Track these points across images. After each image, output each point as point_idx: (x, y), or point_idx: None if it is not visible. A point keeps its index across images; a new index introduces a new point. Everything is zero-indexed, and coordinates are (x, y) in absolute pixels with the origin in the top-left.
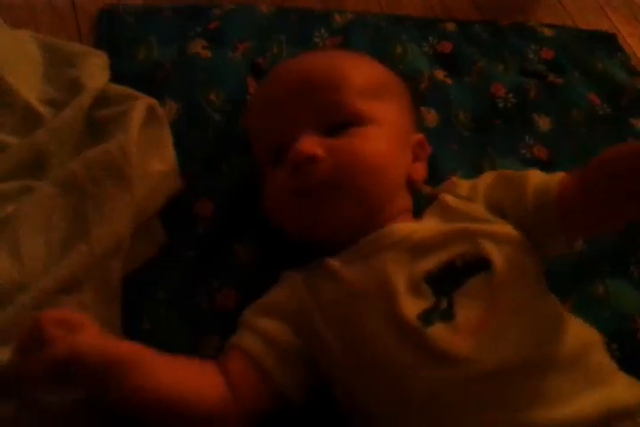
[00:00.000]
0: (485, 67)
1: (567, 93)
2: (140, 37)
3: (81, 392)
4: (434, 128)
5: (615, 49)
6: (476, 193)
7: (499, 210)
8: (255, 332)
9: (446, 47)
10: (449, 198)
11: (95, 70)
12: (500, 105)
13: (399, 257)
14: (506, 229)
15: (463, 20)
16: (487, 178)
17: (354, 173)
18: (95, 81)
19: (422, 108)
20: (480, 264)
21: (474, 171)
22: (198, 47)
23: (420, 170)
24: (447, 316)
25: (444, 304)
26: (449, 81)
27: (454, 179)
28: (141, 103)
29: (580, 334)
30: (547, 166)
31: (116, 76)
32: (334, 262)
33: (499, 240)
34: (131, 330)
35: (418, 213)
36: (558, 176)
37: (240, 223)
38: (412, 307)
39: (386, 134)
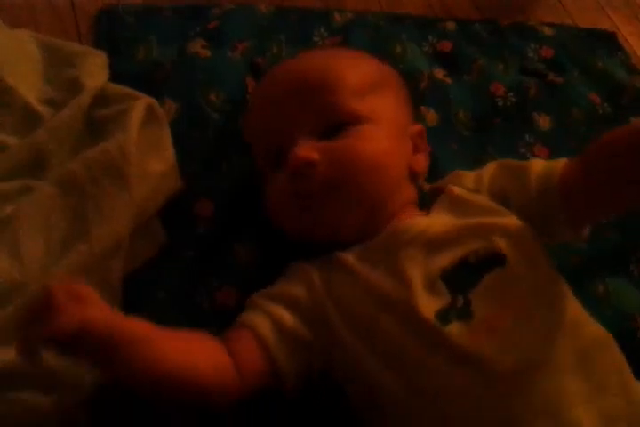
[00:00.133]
0: (485, 66)
1: (567, 92)
2: (140, 37)
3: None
4: (433, 127)
5: (615, 48)
6: (481, 184)
7: (503, 199)
8: (266, 313)
9: (446, 46)
10: (457, 190)
11: (94, 70)
12: (500, 104)
13: (414, 254)
14: (516, 221)
15: (463, 19)
16: (490, 168)
17: (352, 173)
18: (94, 81)
19: (422, 107)
20: (494, 260)
21: (474, 170)
22: (198, 47)
23: (422, 161)
24: (465, 314)
25: (460, 302)
26: (449, 80)
27: (460, 171)
28: (141, 103)
29: (597, 330)
30: None
31: (116, 76)
32: (348, 257)
33: (511, 234)
34: None
35: (422, 205)
36: (561, 162)
37: (240, 223)
38: (429, 305)
39: (383, 131)
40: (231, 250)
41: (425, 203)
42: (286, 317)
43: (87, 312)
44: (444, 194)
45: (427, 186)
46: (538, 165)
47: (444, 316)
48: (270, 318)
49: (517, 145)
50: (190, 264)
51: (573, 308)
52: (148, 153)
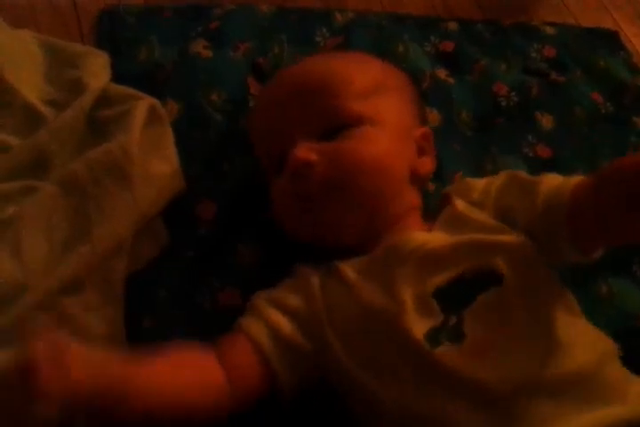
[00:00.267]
0: (487, 66)
1: (570, 92)
2: (141, 37)
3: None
4: (436, 128)
5: (618, 47)
6: (488, 197)
7: (508, 214)
8: (264, 320)
9: (448, 46)
10: (461, 205)
11: (97, 70)
12: (503, 104)
13: (409, 271)
14: (517, 239)
15: (465, 19)
16: (500, 179)
17: (351, 175)
18: (97, 81)
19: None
20: (491, 279)
21: (476, 170)
22: (199, 47)
23: (427, 164)
24: (456, 335)
25: (452, 322)
26: (451, 80)
27: (468, 180)
28: (143, 103)
29: (592, 348)
30: (550, 165)
31: (117, 77)
32: (347, 269)
33: (510, 252)
34: (133, 329)
35: (427, 209)
36: (574, 179)
37: (242, 224)
38: (419, 325)
39: (384, 133)
40: (233, 251)
41: (430, 207)
42: (284, 324)
43: (69, 379)
44: (449, 207)
45: (431, 187)
46: (550, 182)
47: (433, 337)
48: (268, 325)
49: (520, 145)
50: (192, 265)
51: (572, 327)
52: (151, 153)
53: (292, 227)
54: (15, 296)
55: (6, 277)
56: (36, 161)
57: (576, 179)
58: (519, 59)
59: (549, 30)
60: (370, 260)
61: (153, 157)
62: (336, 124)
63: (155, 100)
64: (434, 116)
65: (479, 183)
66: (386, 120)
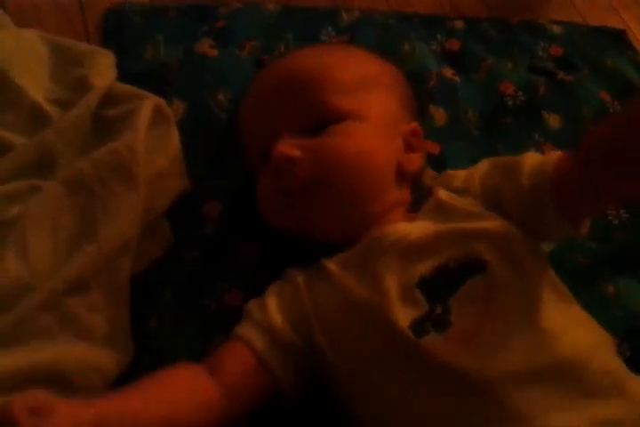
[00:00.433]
0: (494, 64)
1: (577, 91)
2: (147, 36)
3: None
4: (442, 127)
5: (625, 46)
6: (472, 183)
7: (494, 197)
8: (259, 325)
9: (454, 45)
10: (443, 194)
11: (102, 69)
12: (509, 103)
13: (392, 262)
14: (501, 225)
15: (471, 18)
16: (483, 166)
17: (334, 171)
18: (103, 80)
19: (431, 106)
20: (475, 266)
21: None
22: (205, 46)
23: (415, 161)
24: (442, 324)
25: (438, 311)
26: (457, 79)
27: (449, 171)
28: (149, 103)
29: (582, 338)
30: None
31: (123, 76)
32: (331, 265)
33: (494, 239)
34: (138, 329)
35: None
36: (556, 154)
37: (248, 223)
38: (404, 315)
39: (367, 128)
40: (239, 250)
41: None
42: (275, 322)
43: (53, 423)
44: (432, 198)
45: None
46: (531, 159)
47: (419, 326)
48: (260, 326)
49: (527, 144)
50: (198, 264)
51: (561, 314)
52: (156, 153)
53: (276, 222)
54: (20, 296)
55: (11, 277)
56: (41, 160)
57: (556, 153)
58: (526, 57)
59: (556, 29)
60: (352, 253)
61: (158, 157)
62: (321, 119)
63: (160, 100)
64: (440, 114)
65: (461, 173)
66: (371, 115)
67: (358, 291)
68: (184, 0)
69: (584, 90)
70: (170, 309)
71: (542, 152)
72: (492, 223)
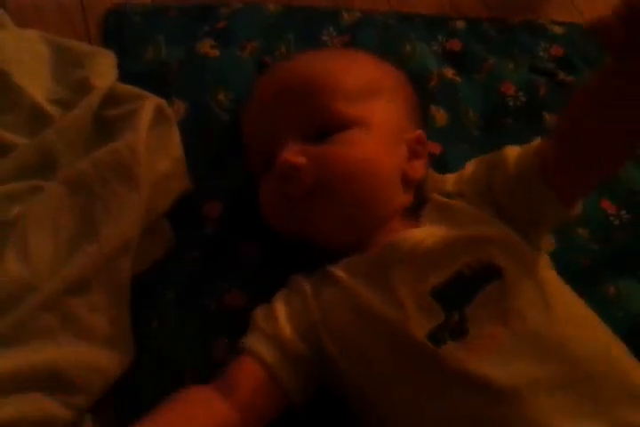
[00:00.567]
0: (495, 65)
1: None
2: (148, 37)
3: None
4: (443, 127)
5: None
6: (462, 185)
7: (487, 193)
8: (268, 337)
9: (455, 45)
10: (440, 199)
11: (104, 70)
12: (510, 103)
13: (407, 271)
14: (508, 230)
15: (472, 18)
16: (469, 166)
17: (338, 179)
18: (104, 81)
19: (431, 106)
20: (490, 272)
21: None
22: (206, 46)
23: (419, 168)
24: (459, 332)
25: (454, 319)
26: (458, 79)
27: (439, 176)
28: (150, 103)
29: (597, 341)
30: None
31: (124, 76)
32: (339, 272)
33: (504, 243)
34: (139, 330)
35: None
36: (536, 141)
37: (249, 224)
38: (421, 325)
39: (372, 136)
40: (239, 250)
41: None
42: (287, 335)
43: None
44: (430, 204)
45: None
46: (513, 150)
47: (437, 336)
48: (268, 337)
49: None
50: (199, 265)
51: (573, 317)
52: (157, 153)
53: (278, 226)
54: (21, 296)
55: (12, 277)
56: (42, 161)
57: (536, 141)
58: (527, 58)
59: (557, 29)
60: (363, 260)
61: (159, 157)
62: (325, 125)
63: (161, 100)
64: (441, 115)
65: (450, 177)
66: (375, 123)
67: (371, 299)
68: (185, 0)
69: None
70: (170, 309)
71: None
72: (500, 229)
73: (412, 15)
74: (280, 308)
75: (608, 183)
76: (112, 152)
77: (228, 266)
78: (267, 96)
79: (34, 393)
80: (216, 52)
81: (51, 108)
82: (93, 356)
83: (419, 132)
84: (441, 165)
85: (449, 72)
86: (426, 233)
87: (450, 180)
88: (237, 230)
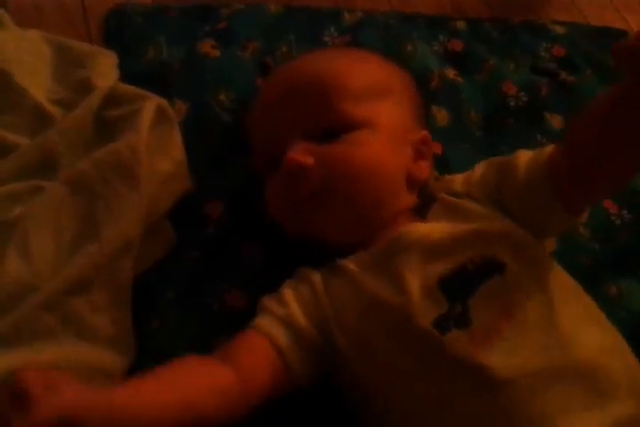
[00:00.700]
0: (496, 65)
1: (579, 92)
2: (149, 37)
3: None
4: (445, 127)
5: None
6: (470, 186)
7: (495, 196)
8: (282, 320)
9: (457, 45)
10: (448, 198)
11: (105, 70)
12: (512, 104)
13: (412, 260)
14: (513, 226)
15: (474, 18)
16: (479, 168)
17: (343, 179)
18: (105, 81)
19: (433, 106)
20: (492, 267)
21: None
22: (207, 47)
23: (424, 169)
24: (463, 322)
25: (458, 310)
26: (460, 79)
27: (447, 176)
28: (151, 103)
29: (597, 338)
30: None
31: (125, 76)
32: (350, 264)
33: (509, 240)
34: (140, 330)
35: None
36: (548, 148)
37: (250, 224)
38: (426, 313)
39: (378, 137)
40: (240, 250)
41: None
42: (299, 319)
43: (65, 398)
44: (438, 202)
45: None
46: (525, 155)
47: (442, 324)
48: (283, 320)
49: (529, 145)
50: (200, 265)
51: (575, 313)
52: (158, 153)
53: (284, 224)
54: (22, 296)
55: (13, 277)
56: (43, 161)
57: (550, 146)
58: (528, 58)
59: (559, 29)
60: (371, 254)
61: (160, 157)
62: (332, 126)
63: (162, 100)
64: (442, 115)
65: (458, 177)
66: (382, 124)
67: (378, 289)
68: (186, 0)
69: (586, 90)
70: (171, 309)
71: None
72: (505, 224)
73: (414, 15)
74: (289, 296)
75: None
76: (113, 152)
77: (229, 266)
78: (273, 96)
79: None
80: (217, 53)
81: (52, 109)
82: (94, 356)
83: (424, 132)
84: (443, 164)
85: (450, 72)
86: (431, 227)
87: (457, 180)
88: (238, 230)
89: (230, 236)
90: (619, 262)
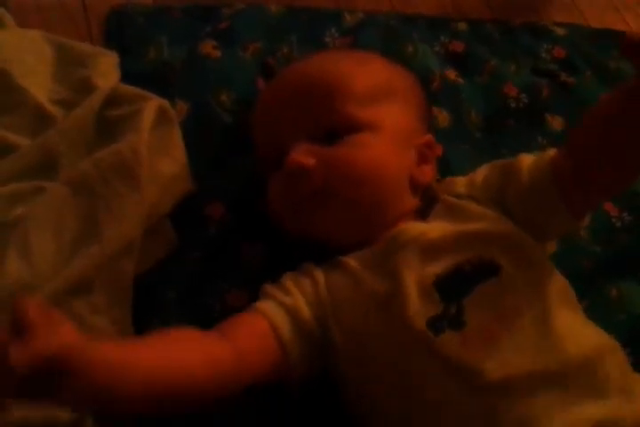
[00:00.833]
0: (497, 66)
1: (580, 93)
2: (150, 37)
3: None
4: (445, 128)
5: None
6: (473, 188)
7: (498, 199)
8: (285, 307)
9: (458, 47)
10: (450, 199)
11: (106, 70)
12: (512, 105)
13: (410, 258)
14: (512, 228)
15: (475, 20)
16: (482, 171)
17: (345, 182)
18: (106, 81)
19: (434, 107)
20: (488, 269)
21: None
22: (208, 47)
23: (427, 172)
24: (457, 323)
25: (452, 311)
26: (460, 81)
27: (449, 178)
28: (152, 104)
29: (591, 340)
30: None
31: (126, 76)
32: (351, 261)
33: (507, 242)
34: (141, 330)
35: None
36: (550, 151)
37: (251, 224)
38: (420, 312)
39: (382, 139)
40: (241, 251)
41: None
42: (302, 309)
43: (62, 339)
44: (440, 203)
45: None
46: (528, 158)
47: (436, 324)
48: (287, 310)
49: (530, 146)
50: (201, 265)
51: (569, 316)
52: (159, 154)
53: (284, 223)
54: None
55: (14, 278)
56: (44, 161)
57: (551, 151)
58: (529, 59)
59: (559, 31)
60: (371, 252)
61: (161, 158)
62: (336, 127)
63: (163, 101)
64: (443, 116)
65: (461, 179)
66: (386, 126)
67: (377, 285)
68: (187, 1)
69: (586, 92)
70: (171, 309)
71: None
72: (504, 226)
73: (415, 16)
74: (291, 285)
75: None
76: (114, 153)
77: (230, 266)
78: (278, 97)
79: None
80: (218, 53)
81: (53, 109)
82: None
83: (428, 136)
84: (443, 165)
85: (451, 73)
86: (430, 226)
87: (460, 182)
88: (239, 231)
89: (231, 236)
90: (619, 265)
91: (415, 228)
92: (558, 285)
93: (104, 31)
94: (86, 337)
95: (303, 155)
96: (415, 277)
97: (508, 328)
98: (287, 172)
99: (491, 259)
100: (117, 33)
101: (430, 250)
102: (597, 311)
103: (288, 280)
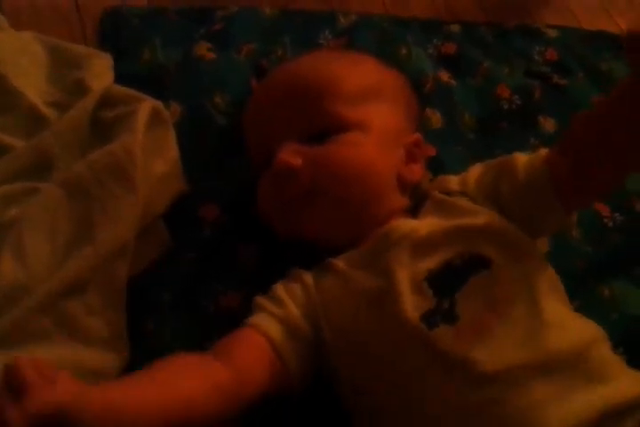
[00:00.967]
0: (490, 68)
1: (572, 95)
2: (144, 39)
3: None
4: (438, 130)
5: (620, 50)
6: (467, 186)
7: (493, 196)
8: (276, 317)
9: (451, 49)
10: (439, 195)
11: (100, 72)
12: (505, 107)
13: (402, 255)
14: (502, 221)
15: (467, 22)
16: (476, 169)
17: (332, 180)
18: (100, 83)
19: (427, 109)
20: (479, 263)
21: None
22: (203, 49)
23: (416, 171)
24: (450, 317)
25: (445, 305)
26: (453, 83)
27: (442, 176)
28: (146, 105)
29: (581, 330)
30: None
31: (120, 78)
32: (339, 262)
33: (497, 236)
34: (135, 331)
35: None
36: (544, 150)
37: (245, 226)
38: (414, 308)
39: (370, 139)
40: (235, 253)
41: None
42: (293, 314)
43: (61, 391)
44: (429, 200)
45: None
46: (522, 157)
47: (429, 319)
48: (279, 320)
49: (523, 148)
50: (195, 266)
51: (559, 308)
52: (153, 155)
53: (273, 223)
54: (17, 298)
55: (8, 279)
56: (38, 163)
57: (543, 150)
58: (522, 61)
59: (552, 33)
60: (360, 252)
61: (155, 159)
62: (325, 127)
63: (158, 102)
64: (436, 118)
65: (453, 177)
66: (374, 126)
67: (368, 283)
68: (182, 3)
69: (579, 94)
70: (166, 311)
71: None
72: (493, 220)
73: (408, 19)
74: (282, 292)
75: None
76: (108, 154)
77: (224, 268)
78: (269, 97)
79: None
80: (212, 55)
81: (47, 111)
82: (89, 358)
83: (416, 135)
84: (437, 166)
85: (444, 75)
86: (419, 223)
87: (453, 180)
88: (233, 232)
89: (226, 238)
90: (611, 264)
91: (406, 224)
92: (549, 276)
93: (98, 33)
94: (85, 385)
95: (290, 155)
96: (407, 274)
97: (501, 319)
98: (274, 172)
99: (481, 252)
100: (112, 35)
101: (421, 246)
102: (590, 311)
103: (279, 288)
